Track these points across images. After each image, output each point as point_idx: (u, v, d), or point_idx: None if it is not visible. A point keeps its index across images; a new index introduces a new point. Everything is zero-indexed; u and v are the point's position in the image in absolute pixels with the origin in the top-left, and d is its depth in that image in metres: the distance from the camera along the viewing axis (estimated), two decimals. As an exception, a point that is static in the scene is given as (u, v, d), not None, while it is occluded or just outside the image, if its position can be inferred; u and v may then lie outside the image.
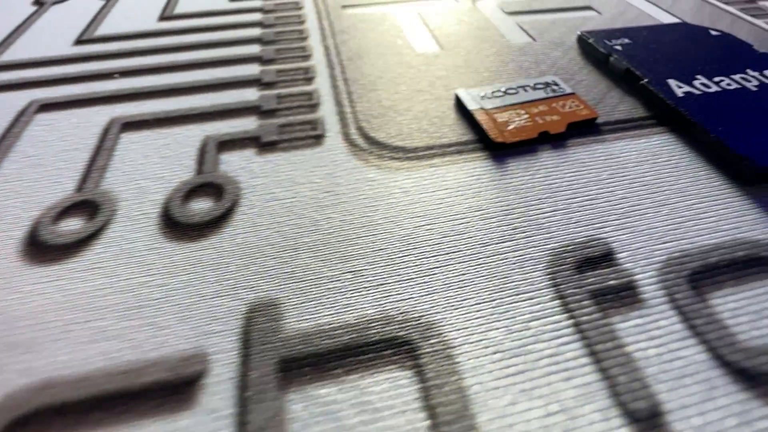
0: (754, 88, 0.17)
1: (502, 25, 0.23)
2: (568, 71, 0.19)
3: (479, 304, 0.11)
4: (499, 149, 0.15)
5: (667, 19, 0.24)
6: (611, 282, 0.11)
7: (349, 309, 0.11)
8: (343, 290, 0.11)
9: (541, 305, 0.11)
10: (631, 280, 0.11)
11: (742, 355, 0.10)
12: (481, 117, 0.16)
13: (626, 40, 0.20)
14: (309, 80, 0.19)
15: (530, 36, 0.22)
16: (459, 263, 0.12)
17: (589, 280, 0.11)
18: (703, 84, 0.17)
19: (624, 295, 0.11)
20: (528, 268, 0.12)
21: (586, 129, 0.16)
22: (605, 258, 0.12)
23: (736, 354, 0.10)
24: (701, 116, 0.16)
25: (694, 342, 0.10)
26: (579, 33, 0.21)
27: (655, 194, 0.14)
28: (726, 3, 0.26)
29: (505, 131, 0.15)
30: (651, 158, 0.15)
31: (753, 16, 0.24)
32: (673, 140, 0.16)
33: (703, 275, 0.12)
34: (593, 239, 0.12)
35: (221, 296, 0.11)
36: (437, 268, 0.12)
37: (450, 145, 0.16)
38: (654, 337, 0.10)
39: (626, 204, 0.13)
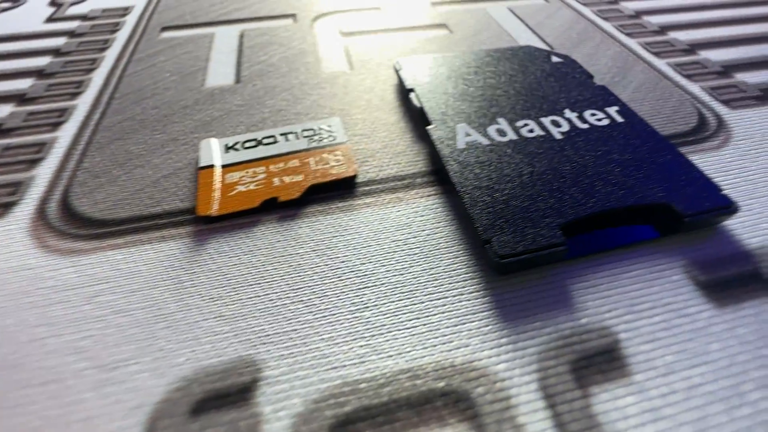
0: (560, 136, 0.14)
1: (327, 50, 0.20)
2: (366, 109, 0.17)
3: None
4: (214, 222, 0.13)
5: (527, 38, 0.21)
6: (222, 436, 0.08)
7: None
8: None
9: (107, 476, 0.08)
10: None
11: None
12: (203, 179, 0.13)
13: (443, 70, 0.17)
14: (56, 126, 0.16)
15: (350, 63, 0.19)
16: (50, 398, 0.09)
17: (197, 429, 0.09)
18: (500, 131, 0.14)
19: (230, 458, 0.08)
20: (131, 407, 0.09)
21: (340, 190, 0.13)
22: (242, 392, 0.09)
23: None
24: (466, 178, 0.13)
25: None
26: (396, 62, 0.18)
27: (363, 291, 0.11)
28: (604, 19, 0.23)
29: (222, 199, 0.13)
30: (393, 234, 0.12)
31: (628, 34, 0.21)
32: (438, 208, 0.13)
33: (356, 421, 0.09)
34: (243, 362, 0.10)
35: None
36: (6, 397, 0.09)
37: (161, 216, 0.13)
38: None
39: (313, 309, 0.11)
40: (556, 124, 0.15)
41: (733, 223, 0.12)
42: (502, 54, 0.18)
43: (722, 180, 0.14)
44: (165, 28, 0.22)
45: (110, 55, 0.20)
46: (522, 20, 0.22)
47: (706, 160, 0.14)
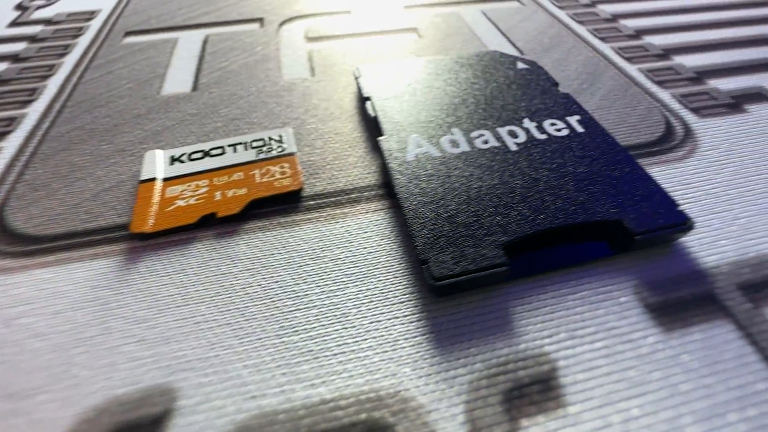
0: (515, 147, 0.14)
1: (291, 56, 0.20)
2: (322, 119, 0.16)
3: None
4: (149, 238, 0.12)
5: (498, 43, 0.20)
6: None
7: None
8: None
9: None
10: (157, 469, 0.08)
11: None
12: (142, 193, 0.13)
13: (403, 78, 0.17)
14: (3, 136, 0.16)
15: (311, 69, 0.19)
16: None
17: (99, 469, 0.08)
18: (453, 142, 0.14)
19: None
20: (32, 444, 0.08)
21: (284, 204, 0.13)
22: (153, 424, 0.09)
23: None
24: (411, 192, 0.12)
25: None
26: (355, 68, 0.17)
27: (294, 313, 0.10)
28: (579, 22, 0.22)
29: (158, 215, 0.12)
30: (333, 252, 0.12)
31: (602, 39, 0.21)
32: (384, 224, 0.12)
33: (270, 459, 0.08)
34: (160, 391, 0.09)
35: None
36: None
37: (97, 232, 0.12)
38: None
39: (239, 333, 0.10)
40: (513, 134, 0.14)
41: (690, 240, 0.12)
42: (467, 60, 0.18)
43: (683, 194, 0.13)
44: (128, 33, 0.21)
45: (69, 61, 0.20)
46: (494, 24, 0.22)
47: (668, 173, 0.14)
